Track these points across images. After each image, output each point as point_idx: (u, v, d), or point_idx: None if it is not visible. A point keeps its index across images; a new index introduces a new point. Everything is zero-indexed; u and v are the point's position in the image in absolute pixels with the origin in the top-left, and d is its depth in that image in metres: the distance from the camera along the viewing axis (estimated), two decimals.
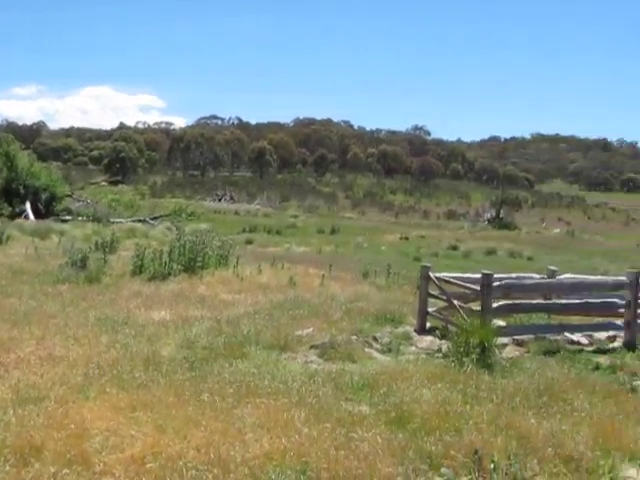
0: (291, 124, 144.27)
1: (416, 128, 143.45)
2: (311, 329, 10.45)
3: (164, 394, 6.91)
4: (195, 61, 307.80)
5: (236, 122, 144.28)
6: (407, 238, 40.43)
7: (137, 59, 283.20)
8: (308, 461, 5.26)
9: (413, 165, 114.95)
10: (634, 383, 8.53)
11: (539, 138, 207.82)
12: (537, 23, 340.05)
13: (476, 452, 5.45)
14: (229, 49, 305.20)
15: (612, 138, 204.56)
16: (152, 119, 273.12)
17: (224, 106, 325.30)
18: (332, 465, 5.19)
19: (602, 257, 38.49)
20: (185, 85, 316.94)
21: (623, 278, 11.07)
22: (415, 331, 11.21)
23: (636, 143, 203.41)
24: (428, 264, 12.51)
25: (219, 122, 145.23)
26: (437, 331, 11.04)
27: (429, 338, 10.78)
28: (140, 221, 37.50)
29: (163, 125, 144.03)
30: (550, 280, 11.64)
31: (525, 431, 6.09)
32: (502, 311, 10.41)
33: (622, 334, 10.97)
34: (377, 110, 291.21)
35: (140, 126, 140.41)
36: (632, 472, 5.55)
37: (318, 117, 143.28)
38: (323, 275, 16.78)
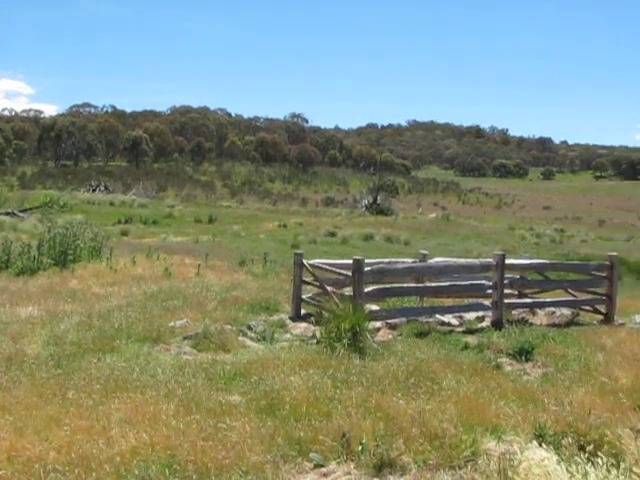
0: (167, 112, 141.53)
1: (294, 116, 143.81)
2: (185, 320, 10.30)
3: (26, 394, 6.60)
4: (66, 47, 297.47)
5: (110, 110, 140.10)
6: (285, 226, 40.59)
7: (1, 42, 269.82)
8: (175, 454, 5.15)
9: (291, 153, 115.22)
10: (499, 360, 8.88)
11: (415, 125, 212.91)
12: (409, 6, 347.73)
13: (344, 435, 5.51)
14: (101, 35, 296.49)
15: (485, 125, 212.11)
16: (20, 106, 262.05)
17: (97, 93, 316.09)
18: (199, 457, 5.10)
19: (476, 240, 39.99)
20: (56, 71, 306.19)
21: (490, 260, 11.44)
22: (290, 318, 11.24)
23: (507, 130, 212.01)
24: (301, 251, 12.56)
25: (92, 110, 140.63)
26: (312, 317, 11.10)
27: (304, 325, 10.84)
28: (8, 214, 35.85)
29: (32, 113, 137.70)
30: (421, 264, 11.92)
31: (393, 412, 6.19)
32: (374, 296, 10.57)
33: (490, 314, 11.37)
34: (254, 98, 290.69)
35: (6, 114, 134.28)
36: (492, 444, 5.73)
37: (195, 105, 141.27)
38: (199, 265, 16.61)
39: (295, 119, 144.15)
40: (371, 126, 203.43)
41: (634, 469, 4.85)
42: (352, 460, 5.35)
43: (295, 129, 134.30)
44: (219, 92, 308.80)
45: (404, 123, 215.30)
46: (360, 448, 5.39)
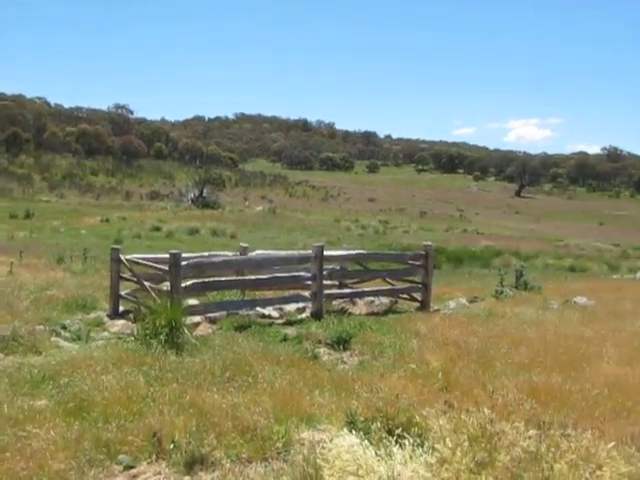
0: None
1: (118, 107, 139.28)
2: None
3: None
4: None
5: None
6: (108, 220, 39.41)
7: None
8: None
9: (115, 145, 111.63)
10: (317, 351, 9.00)
11: (242, 118, 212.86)
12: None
13: (155, 434, 5.37)
14: None
15: (311, 119, 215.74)
16: None
17: None
18: None
19: (302, 232, 40.62)
20: None
21: (309, 252, 11.59)
22: (108, 316, 10.91)
23: (333, 124, 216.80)
24: (118, 246, 12.19)
25: None
26: (131, 314, 10.82)
27: (122, 322, 10.54)
28: None
29: None
30: (240, 257, 11.89)
31: (208, 407, 6.10)
32: (193, 290, 10.42)
33: (310, 305, 11.54)
34: (75, 87, 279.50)
35: None
36: (306, 434, 5.79)
37: (8, 92, 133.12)
38: (12, 263, 15.74)
39: (119, 110, 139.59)
40: (198, 118, 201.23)
41: (436, 446, 5.05)
42: (163, 459, 5.22)
43: (119, 120, 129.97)
44: (36, 79, 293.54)
45: (231, 116, 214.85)
46: (172, 446, 5.27)
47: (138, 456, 5.28)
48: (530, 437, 5.22)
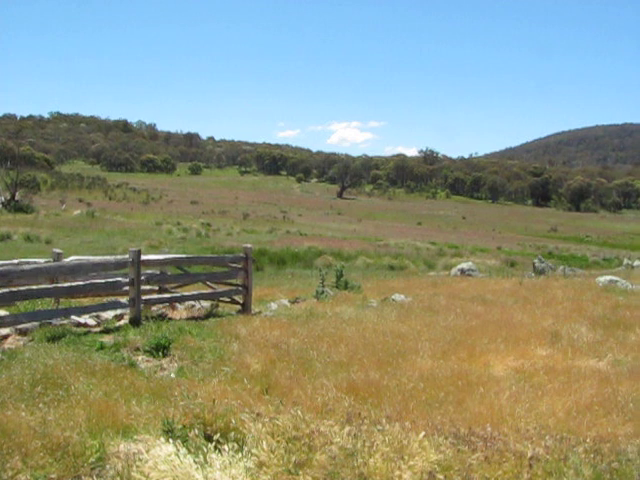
0: None
1: None
2: None
3: None
4: None
5: None
6: None
7: None
8: None
9: None
10: (134, 358, 8.79)
11: (59, 117, 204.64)
12: None
13: None
14: None
15: (132, 120, 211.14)
16: None
17: None
18: None
19: (122, 236, 39.60)
20: None
21: (126, 257, 11.27)
22: None
23: (155, 125, 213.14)
24: None
25: None
26: None
27: None
28: None
29: None
30: (52, 264, 11.32)
31: (13, 427, 5.71)
32: (0, 300, 9.80)
33: (129, 311, 11.22)
34: None
35: None
36: (123, 446, 5.60)
37: None
38: None
39: None
40: (9, 117, 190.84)
41: (253, 450, 5.06)
42: None
43: None
44: None
45: (46, 115, 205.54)
46: None
47: None
48: (347, 434, 5.36)
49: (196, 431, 5.63)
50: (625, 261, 30.99)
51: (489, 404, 7.02)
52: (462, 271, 24.83)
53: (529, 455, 5.12)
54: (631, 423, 6.41)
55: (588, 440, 5.65)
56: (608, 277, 17.71)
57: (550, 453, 5.23)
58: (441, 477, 4.77)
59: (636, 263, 29.03)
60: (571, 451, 5.32)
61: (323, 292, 15.51)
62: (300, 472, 4.84)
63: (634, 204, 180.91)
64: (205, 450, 5.15)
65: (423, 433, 5.40)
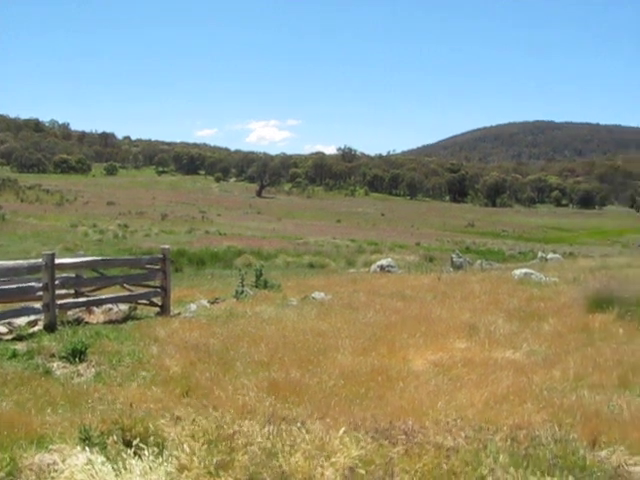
0: None
1: None
2: None
3: None
4: None
5: None
6: None
7: None
8: None
9: None
10: (49, 365, 8.55)
11: None
12: None
13: None
14: None
15: (44, 119, 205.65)
16: None
17: None
18: None
19: (35, 239, 38.51)
20: None
21: (39, 260, 10.96)
22: None
23: (68, 124, 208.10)
24: None
25: None
26: None
27: None
28: None
29: None
30: None
31: None
32: None
33: (43, 317, 10.90)
34: None
35: None
36: (37, 458, 5.38)
37: None
38: None
39: None
40: None
41: (174, 453, 4.99)
42: None
43: None
44: None
45: None
46: None
47: None
48: (268, 434, 5.34)
49: (115, 437, 5.50)
50: (539, 254, 31.88)
51: (409, 398, 7.11)
52: (382, 267, 25.03)
53: (447, 446, 5.20)
54: (545, 410, 6.58)
55: (505, 428, 5.79)
56: (523, 270, 18.14)
57: (469, 443, 5.33)
58: (362, 472, 4.79)
59: (550, 256, 29.90)
60: (489, 440, 5.43)
61: (243, 292, 15.41)
62: (222, 473, 4.79)
63: (547, 199, 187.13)
64: (124, 456, 5.03)
65: (343, 429, 5.42)
